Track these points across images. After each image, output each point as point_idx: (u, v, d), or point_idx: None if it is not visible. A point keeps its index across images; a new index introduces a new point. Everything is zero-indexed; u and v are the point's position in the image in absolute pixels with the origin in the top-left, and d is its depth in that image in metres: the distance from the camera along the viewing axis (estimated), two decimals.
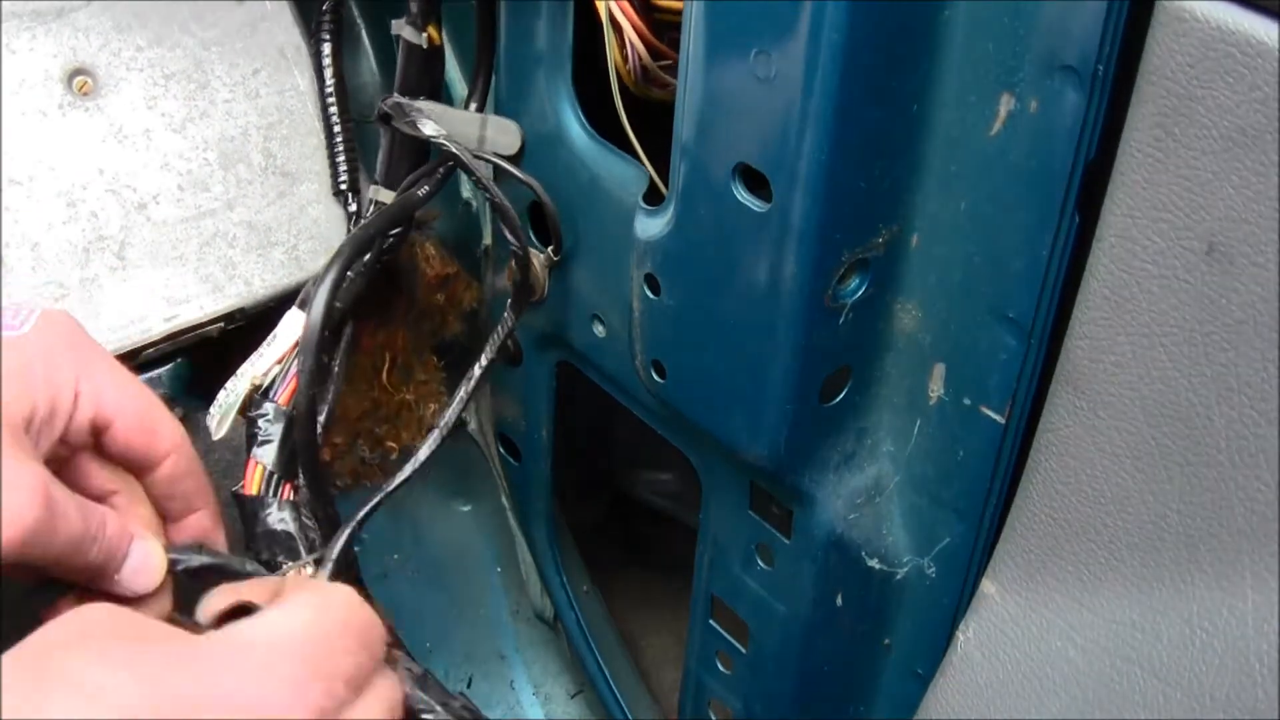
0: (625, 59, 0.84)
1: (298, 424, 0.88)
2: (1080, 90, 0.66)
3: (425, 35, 0.97)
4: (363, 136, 1.06)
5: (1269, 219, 0.58)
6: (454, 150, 0.92)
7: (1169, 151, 0.60)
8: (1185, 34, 0.58)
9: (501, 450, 1.21)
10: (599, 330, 0.96)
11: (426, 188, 0.97)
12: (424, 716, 0.86)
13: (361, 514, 0.89)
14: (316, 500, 0.89)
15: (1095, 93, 0.65)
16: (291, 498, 0.89)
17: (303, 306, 0.91)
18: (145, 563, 0.80)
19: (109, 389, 0.77)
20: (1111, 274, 0.64)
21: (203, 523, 0.83)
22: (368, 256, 0.95)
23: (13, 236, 0.90)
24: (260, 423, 0.89)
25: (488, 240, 1.11)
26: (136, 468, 0.80)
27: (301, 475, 0.89)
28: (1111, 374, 0.65)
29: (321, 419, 0.91)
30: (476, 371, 0.96)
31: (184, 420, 0.88)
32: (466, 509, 1.41)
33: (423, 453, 0.93)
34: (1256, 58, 0.56)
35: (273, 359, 0.90)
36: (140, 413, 0.78)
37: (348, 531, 0.87)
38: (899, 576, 0.89)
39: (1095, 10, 0.64)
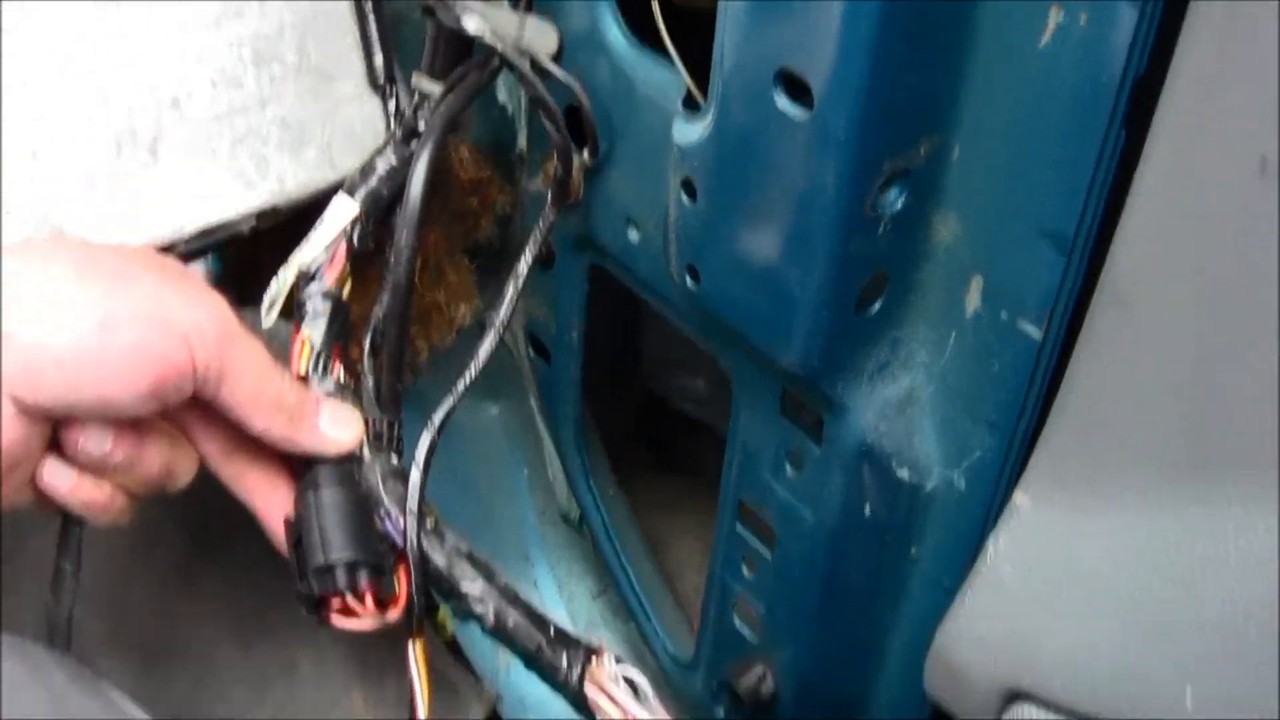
0: None
1: (395, 295, 0.90)
2: (1132, 3, 0.64)
3: None
4: (396, 41, 1.04)
5: None
6: (497, 46, 0.91)
7: (1224, 66, 0.59)
8: None
9: (531, 352, 1.21)
10: (633, 234, 0.96)
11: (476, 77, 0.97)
12: (465, 587, 0.88)
13: (439, 417, 0.90)
14: (392, 375, 0.91)
15: (1147, 6, 0.64)
16: (342, 378, 0.90)
17: (350, 193, 0.92)
18: (340, 413, 0.87)
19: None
20: (1158, 190, 0.63)
21: None
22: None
23: (44, 128, 0.90)
24: (308, 304, 0.90)
25: (523, 145, 1.10)
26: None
27: (386, 349, 0.91)
28: (1155, 291, 0.64)
29: (380, 310, 0.92)
30: (522, 269, 0.96)
31: None
32: (495, 410, 1.41)
33: (483, 352, 0.94)
34: None
35: (319, 245, 0.91)
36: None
37: (431, 435, 0.89)
38: (928, 488, 0.88)
39: None
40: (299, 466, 0.88)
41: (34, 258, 0.77)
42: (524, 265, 0.96)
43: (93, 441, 0.79)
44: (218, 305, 0.80)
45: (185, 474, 0.86)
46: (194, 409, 0.84)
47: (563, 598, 1.47)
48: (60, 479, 0.80)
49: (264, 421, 0.83)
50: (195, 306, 0.79)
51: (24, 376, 0.73)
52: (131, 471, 0.82)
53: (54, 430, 0.79)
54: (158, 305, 0.77)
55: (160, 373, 0.76)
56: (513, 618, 0.89)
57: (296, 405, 0.85)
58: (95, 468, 0.81)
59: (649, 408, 1.39)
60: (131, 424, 0.81)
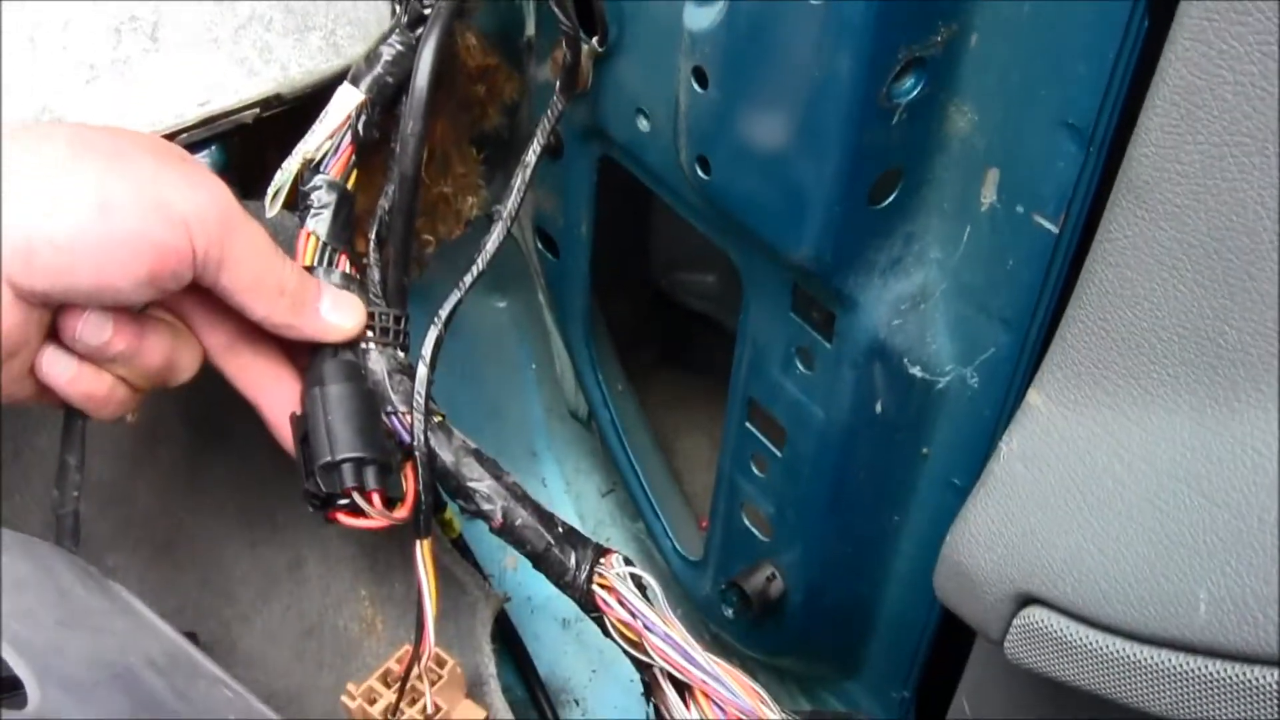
0: None
1: (401, 186, 0.89)
2: None
3: None
4: None
5: None
6: None
7: None
8: None
9: (539, 245, 1.20)
10: (643, 124, 0.94)
11: None
12: (472, 484, 0.87)
13: (446, 312, 0.90)
14: (399, 269, 0.90)
15: None
16: (348, 269, 0.89)
17: (354, 82, 0.91)
18: (341, 299, 0.86)
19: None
20: (1183, 79, 0.61)
21: None
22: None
23: (42, 15, 0.88)
24: (313, 195, 0.89)
25: (531, 31, 1.08)
26: None
27: (392, 242, 0.91)
28: (1176, 184, 0.63)
29: (386, 202, 0.91)
30: (530, 159, 0.94)
31: None
32: (502, 304, 1.40)
33: (490, 245, 0.93)
34: None
35: (324, 134, 0.90)
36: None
37: (438, 330, 0.89)
38: (940, 385, 0.88)
39: None
40: (305, 360, 0.87)
41: (29, 140, 0.75)
42: (532, 155, 0.94)
43: (91, 330, 0.78)
44: (218, 189, 0.79)
45: (188, 367, 0.85)
46: (195, 298, 0.83)
47: (570, 495, 1.47)
48: (60, 368, 0.79)
49: (265, 307, 0.82)
50: (196, 190, 0.78)
51: (21, 260, 0.72)
52: (132, 363, 0.81)
53: (53, 319, 0.78)
54: (157, 189, 0.76)
55: (159, 258, 0.75)
56: (520, 516, 0.89)
57: (298, 290, 0.84)
58: (95, 357, 0.80)
59: (657, 303, 1.38)
60: (131, 314, 0.80)
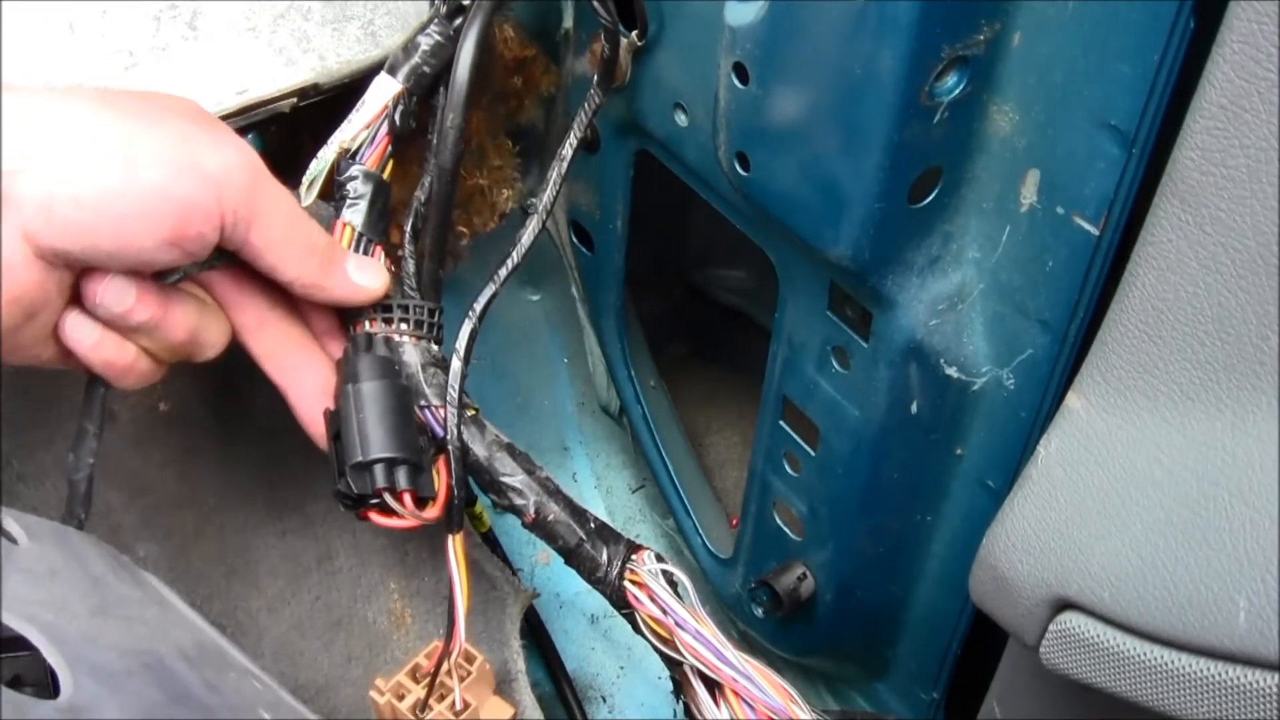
0: None
1: (439, 178, 0.89)
2: None
3: None
4: None
5: None
6: None
7: None
8: None
9: (574, 239, 1.20)
10: (681, 119, 0.94)
11: None
12: (505, 479, 0.87)
13: (481, 305, 0.90)
14: (434, 262, 0.90)
15: None
16: (383, 261, 0.89)
17: (392, 72, 0.91)
18: (365, 262, 0.87)
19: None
20: (1230, 81, 0.61)
21: None
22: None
23: (81, 2, 0.88)
24: (349, 185, 0.89)
25: (568, 24, 1.08)
26: None
27: (428, 234, 0.91)
28: (1222, 187, 0.62)
29: (422, 194, 0.91)
30: (567, 152, 0.94)
31: None
32: (535, 298, 1.40)
33: (526, 238, 0.92)
34: None
35: (361, 124, 0.90)
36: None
37: (472, 323, 0.89)
38: (976, 386, 0.87)
39: None
40: (333, 346, 0.87)
41: (54, 96, 0.74)
42: (569, 148, 0.94)
43: (113, 295, 0.77)
44: (246, 150, 0.79)
45: (214, 343, 0.84)
46: (224, 274, 0.83)
47: (600, 490, 1.46)
48: (83, 333, 0.78)
49: (296, 266, 0.82)
50: (224, 149, 0.77)
51: (42, 216, 0.71)
52: (155, 334, 0.81)
53: (76, 281, 0.77)
54: (185, 147, 0.75)
55: (184, 216, 0.74)
56: (553, 512, 0.88)
57: (326, 249, 0.84)
58: (118, 325, 0.79)
59: (690, 299, 1.37)
60: (157, 284, 0.79)
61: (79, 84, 0.87)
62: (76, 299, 0.78)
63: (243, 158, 0.78)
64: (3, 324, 0.74)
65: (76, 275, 0.77)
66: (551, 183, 0.94)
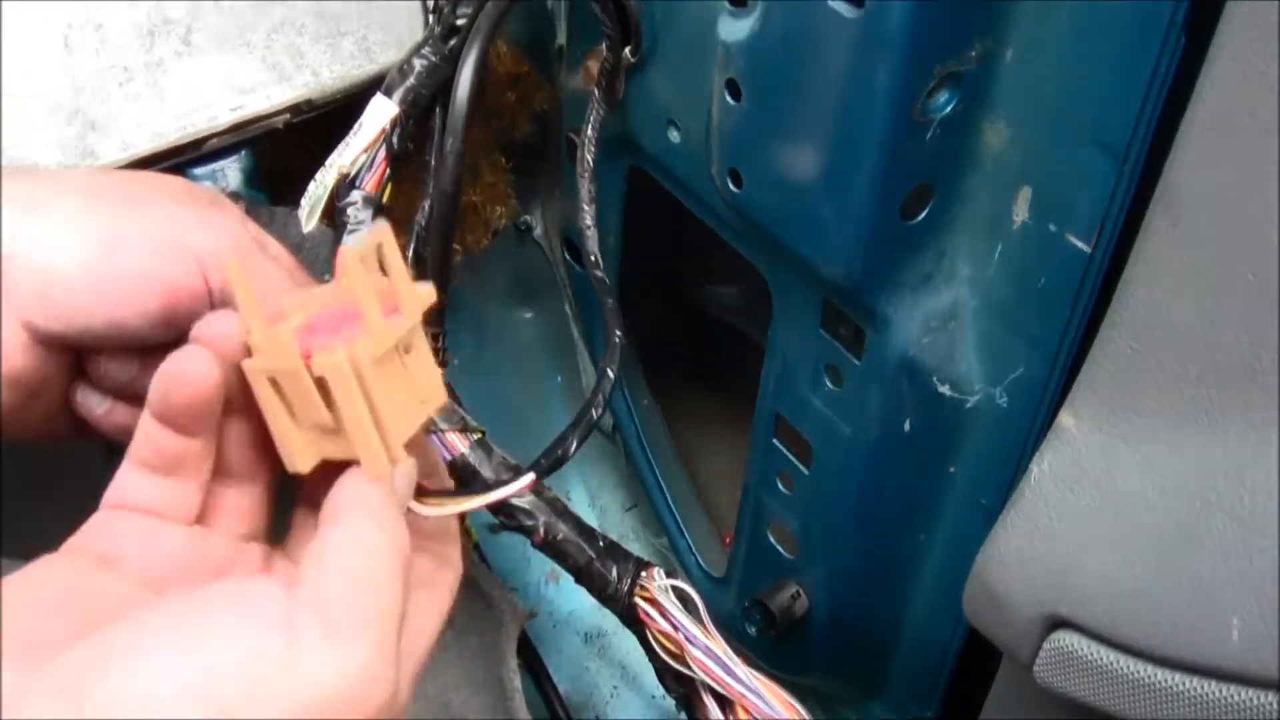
0: None
1: (440, 202, 0.89)
2: None
3: None
4: None
5: None
6: None
7: None
8: None
9: (567, 256, 1.20)
10: (674, 136, 0.94)
11: None
12: (514, 500, 0.87)
13: None
14: (436, 285, 0.90)
15: None
16: None
17: (388, 93, 0.90)
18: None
19: None
20: (1221, 99, 0.61)
21: None
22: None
23: (76, 17, 0.88)
24: (349, 211, 0.88)
25: (562, 40, 1.08)
26: None
27: (429, 258, 0.90)
28: (1213, 205, 0.62)
29: (422, 218, 0.91)
30: (588, 167, 0.95)
31: (246, 213, 0.87)
32: (529, 315, 1.39)
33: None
34: None
35: (359, 148, 0.89)
36: None
37: None
38: (969, 404, 0.87)
39: None
40: None
41: (44, 181, 0.75)
42: (588, 162, 0.95)
43: (116, 367, 0.77)
44: (232, 227, 0.78)
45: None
46: None
47: (594, 510, 1.46)
48: (93, 403, 0.79)
49: None
50: (210, 229, 0.77)
51: (37, 301, 0.71)
52: None
53: (81, 358, 0.77)
54: (170, 228, 0.75)
55: (170, 295, 0.74)
56: (562, 531, 0.89)
57: None
58: (125, 394, 0.79)
59: (684, 316, 1.37)
60: (158, 351, 0.79)
61: (72, 167, 0.87)
62: (83, 371, 0.78)
63: (228, 236, 0.77)
64: (5, 405, 0.74)
65: (77, 354, 0.77)
66: (584, 200, 0.94)
